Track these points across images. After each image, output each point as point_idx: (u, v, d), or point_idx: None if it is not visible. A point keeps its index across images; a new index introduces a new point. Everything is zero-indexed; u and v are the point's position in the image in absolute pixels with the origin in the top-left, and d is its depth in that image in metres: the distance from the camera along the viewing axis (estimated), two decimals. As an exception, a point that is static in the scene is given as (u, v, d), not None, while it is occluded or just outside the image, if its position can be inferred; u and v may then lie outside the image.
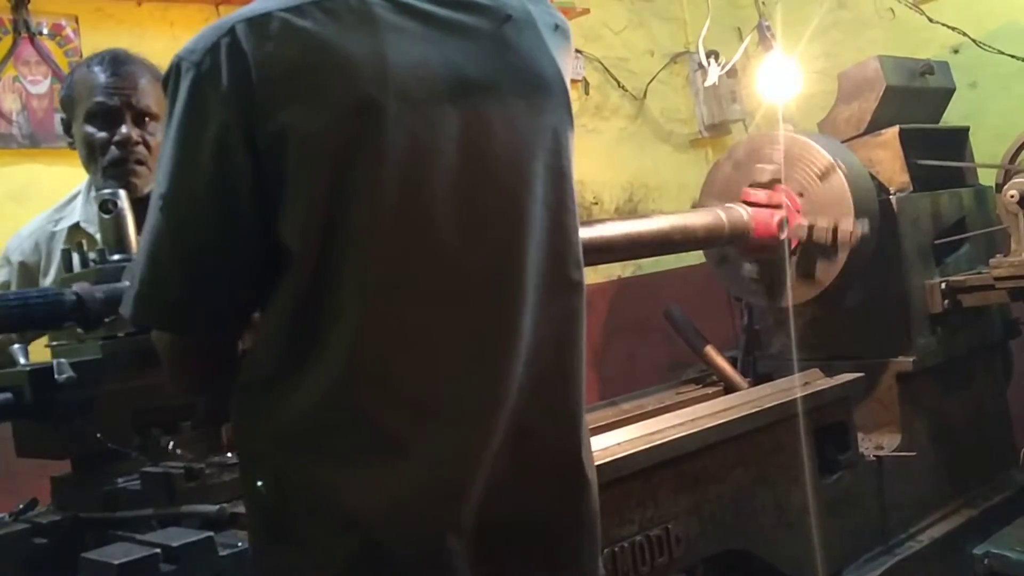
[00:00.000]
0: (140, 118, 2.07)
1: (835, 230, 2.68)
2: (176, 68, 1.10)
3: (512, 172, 1.18)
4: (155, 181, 1.12)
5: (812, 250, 2.74)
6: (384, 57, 1.10)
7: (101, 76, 2.07)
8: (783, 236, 2.71)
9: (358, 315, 1.08)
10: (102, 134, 2.06)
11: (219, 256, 1.11)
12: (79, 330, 1.46)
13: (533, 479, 1.20)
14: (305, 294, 1.08)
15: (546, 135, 1.22)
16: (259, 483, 1.14)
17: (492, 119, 1.17)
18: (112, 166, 2.06)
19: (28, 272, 2.16)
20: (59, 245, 2.13)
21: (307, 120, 1.05)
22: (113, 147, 2.05)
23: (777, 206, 2.73)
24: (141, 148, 2.07)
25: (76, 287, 1.41)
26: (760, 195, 2.76)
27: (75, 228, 2.15)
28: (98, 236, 1.63)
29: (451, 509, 1.12)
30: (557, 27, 1.28)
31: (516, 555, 1.19)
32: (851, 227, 2.66)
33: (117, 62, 2.09)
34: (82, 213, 2.16)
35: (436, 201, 1.12)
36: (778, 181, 2.76)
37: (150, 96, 2.09)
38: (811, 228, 2.71)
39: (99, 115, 2.06)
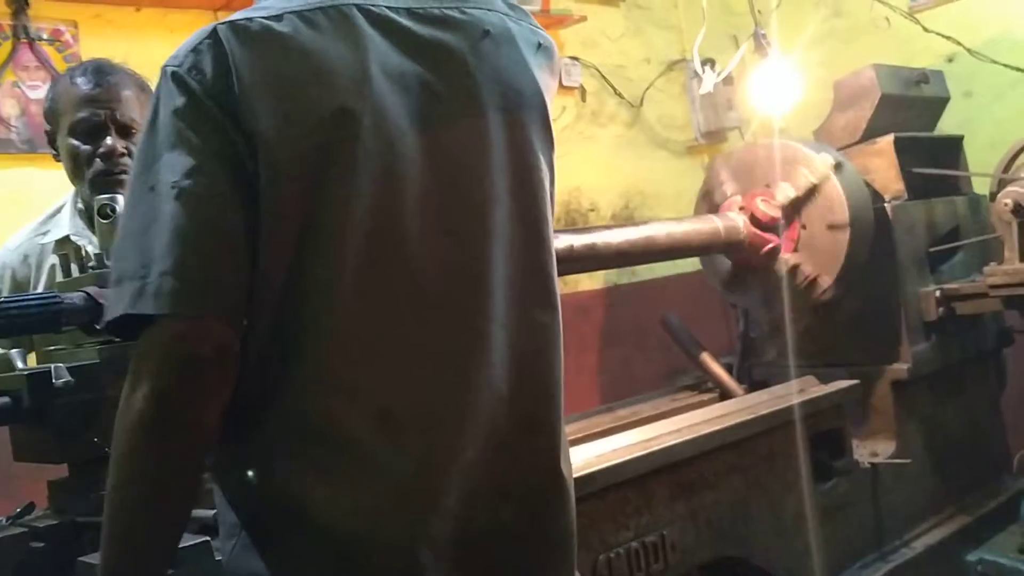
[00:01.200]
0: (125, 130, 2.04)
1: (812, 281, 2.75)
2: (162, 74, 1.10)
3: (482, 186, 1.19)
4: (150, 175, 1.07)
5: (805, 205, 2.79)
6: (364, 68, 1.11)
7: (84, 88, 2.04)
8: (776, 211, 2.76)
9: (326, 323, 1.09)
10: (87, 147, 2.03)
11: (243, 237, 1.07)
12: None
13: (512, 492, 1.19)
14: (278, 300, 1.08)
15: (523, 149, 1.23)
16: (232, 492, 1.14)
17: (465, 134, 1.18)
18: (98, 178, 2.02)
19: (18, 286, 2.12)
20: (48, 258, 2.11)
21: (284, 127, 1.06)
22: (98, 160, 2.02)
23: (774, 226, 2.77)
24: (127, 159, 2.03)
25: (89, 290, 1.41)
26: (734, 203, 2.80)
27: (64, 241, 2.11)
28: (88, 248, 1.62)
29: (423, 521, 1.12)
30: (540, 45, 1.29)
31: (494, 567, 1.19)
32: (827, 286, 2.75)
33: (100, 73, 2.06)
34: (70, 226, 2.13)
35: (406, 213, 1.12)
36: (798, 208, 2.78)
37: (134, 108, 2.06)
38: (795, 268, 2.78)
39: (83, 128, 2.03)
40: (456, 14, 1.21)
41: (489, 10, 1.25)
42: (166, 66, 1.10)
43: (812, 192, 2.75)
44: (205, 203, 1.05)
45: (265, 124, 1.06)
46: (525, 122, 1.24)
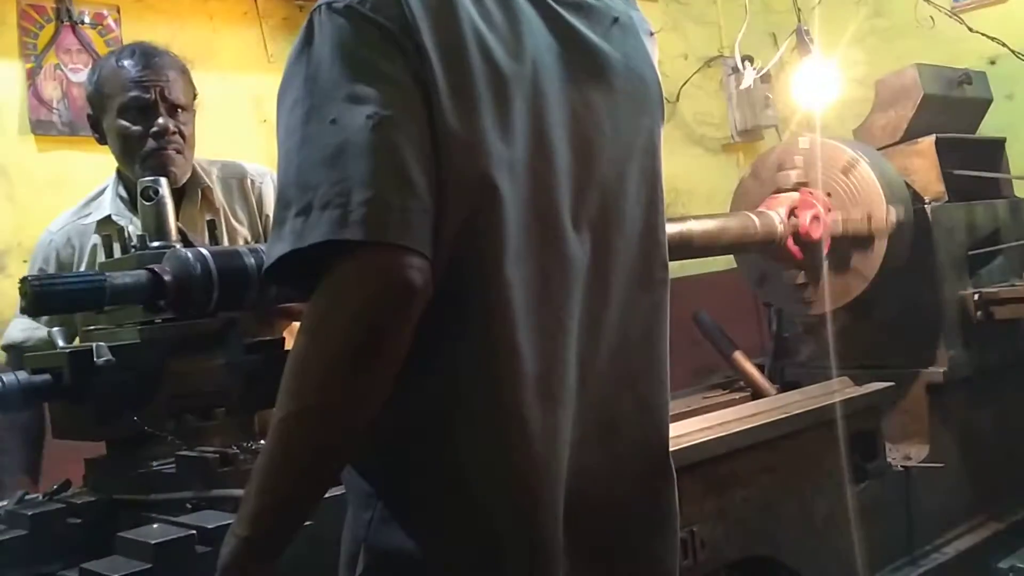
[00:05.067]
0: (173, 109, 2.08)
1: (869, 219, 2.68)
2: (327, 10, 1.06)
3: (613, 170, 1.21)
4: (327, 109, 1.03)
5: (849, 245, 2.73)
6: (519, 40, 1.12)
7: (133, 70, 2.07)
8: (818, 234, 2.70)
9: (492, 286, 1.07)
10: (138, 127, 2.06)
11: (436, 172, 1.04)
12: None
13: (622, 470, 1.21)
14: (448, 257, 1.05)
15: (644, 136, 1.26)
16: (370, 458, 1.11)
17: (600, 117, 1.20)
18: (151, 156, 2.07)
19: (61, 266, 2.16)
20: (90, 239, 2.15)
21: (446, 80, 1.05)
22: (151, 139, 2.06)
23: (813, 246, 2.72)
24: (177, 138, 2.08)
25: (154, 267, 1.42)
26: (789, 199, 2.75)
27: (106, 221, 2.15)
28: (130, 228, 1.64)
29: (559, 493, 1.12)
30: (651, 34, 1.33)
31: (601, 544, 1.19)
32: (885, 213, 2.66)
33: (147, 55, 2.10)
34: (112, 206, 2.17)
35: (556, 185, 1.13)
36: (804, 184, 2.75)
37: (179, 88, 2.11)
38: (846, 221, 2.71)
39: (134, 109, 2.06)
40: (591, 0, 1.23)
41: None
42: (334, 2, 1.06)
43: (857, 241, 2.70)
44: (406, 135, 1.02)
45: (433, 73, 1.04)
46: (648, 109, 1.26)
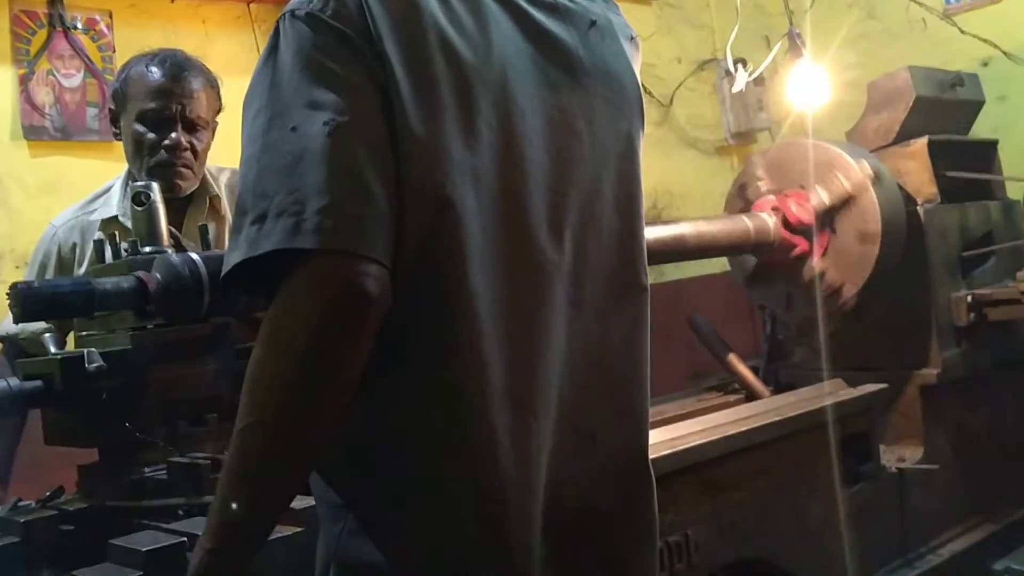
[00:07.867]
0: (191, 125, 2.09)
1: (836, 291, 2.71)
2: (291, 17, 1.06)
3: (589, 175, 1.20)
4: (288, 116, 1.02)
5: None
6: (487, 44, 1.11)
7: (158, 79, 2.07)
8: (808, 217, 2.72)
9: (458, 294, 1.06)
10: (152, 136, 2.07)
11: (395, 181, 1.02)
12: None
13: (601, 480, 1.20)
14: (413, 262, 1.04)
15: (621, 140, 1.24)
16: (338, 469, 1.11)
17: (574, 122, 1.19)
18: (159, 167, 2.08)
19: (63, 262, 2.18)
20: (92, 236, 2.13)
21: (410, 86, 1.04)
22: (162, 150, 2.07)
23: (806, 230, 2.74)
24: (188, 154, 2.09)
25: (139, 274, 1.42)
26: (799, 216, 2.76)
27: (111, 220, 2.16)
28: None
29: (534, 503, 1.11)
30: (632, 38, 1.32)
31: (582, 555, 1.18)
32: (849, 296, 2.71)
33: (176, 67, 2.10)
34: (119, 207, 2.17)
35: (526, 194, 1.12)
36: (831, 214, 2.74)
37: (203, 104, 2.11)
38: (821, 275, 2.74)
39: (152, 118, 2.07)
40: (567, 2, 1.22)
41: (593, 0, 1.27)
42: (296, 9, 1.06)
43: (847, 201, 2.71)
44: (363, 141, 1.01)
45: (395, 79, 1.04)
46: (626, 113, 1.25)
